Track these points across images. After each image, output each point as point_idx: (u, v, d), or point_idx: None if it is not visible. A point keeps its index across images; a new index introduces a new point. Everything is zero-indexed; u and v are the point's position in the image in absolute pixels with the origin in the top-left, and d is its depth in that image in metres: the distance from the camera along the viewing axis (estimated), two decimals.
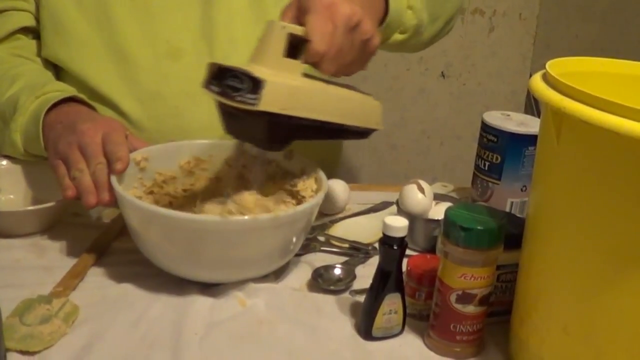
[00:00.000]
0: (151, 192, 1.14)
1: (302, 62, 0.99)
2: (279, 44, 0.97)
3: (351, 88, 1.09)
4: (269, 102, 0.93)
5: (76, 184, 1.03)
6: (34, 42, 1.36)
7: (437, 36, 1.48)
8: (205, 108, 1.31)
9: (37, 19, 1.34)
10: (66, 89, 1.21)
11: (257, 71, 0.94)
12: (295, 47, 0.98)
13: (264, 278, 1.05)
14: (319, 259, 1.13)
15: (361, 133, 1.10)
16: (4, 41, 1.34)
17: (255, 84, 0.93)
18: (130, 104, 1.32)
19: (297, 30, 0.97)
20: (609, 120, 0.69)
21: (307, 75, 1.02)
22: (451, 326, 0.92)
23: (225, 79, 0.96)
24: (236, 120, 1.00)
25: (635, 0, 2.75)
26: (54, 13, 1.31)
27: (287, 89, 0.96)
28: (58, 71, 1.36)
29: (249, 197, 1.06)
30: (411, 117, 2.63)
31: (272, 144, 1.04)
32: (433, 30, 1.43)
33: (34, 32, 1.36)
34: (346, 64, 1.03)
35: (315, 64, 1.00)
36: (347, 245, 1.17)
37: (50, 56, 1.34)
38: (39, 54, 1.35)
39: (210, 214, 1.05)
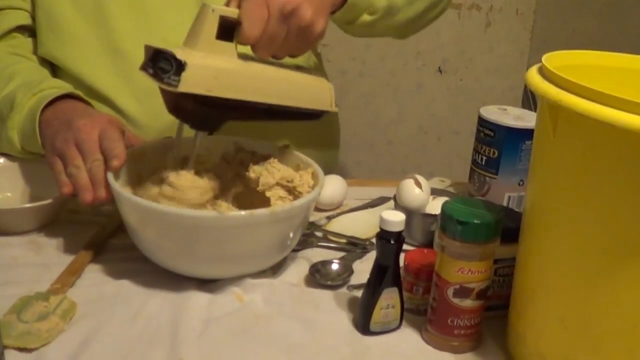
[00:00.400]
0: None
1: (236, 45, 1.00)
2: (211, 26, 0.98)
3: (301, 70, 1.10)
4: (190, 83, 0.95)
5: (73, 180, 1.03)
6: (30, 41, 1.36)
7: (420, 20, 1.43)
8: None
9: (33, 18, 1.34)
10: (63, 86, 1.21)
11: (183, 53, 0.96)
12: (231, 29, 0.99)
13: (261, 273, 1.05)
14: (316, 254, 1.13)
15: (310, 115, 1.09)
16: (0, 40, 1.34)
17: (179, 66, 0.95)
18: (126, 100, 1.32)
19: (229, 12, 0.98)
20: (605, 113, 0.69)
21: (247, 57, 1.02)
22: (449, 320, 0.92)
23: (158, 61, 0.98)
24: (172, 102, 1.02)
25: None
26: (49, 11, 1.30)
27: (213, 71, 0.97)
28: (54, 69, 1.36)
29: (186, 176, 1.06)
30: (408, 112, 2.63)
31: (202, 124, 1.05)
32: (411, 12, 1.38)
33: (30, 31, 1.36)
34: (285, 48, 1.03)
35: (251, 48, 1.01)
36: (344, 241, 1.17)
37: (46, 54, 1.34)
38: (35, 52, 1.35)
39: (149, 193, 1.05)
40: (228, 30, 0.99)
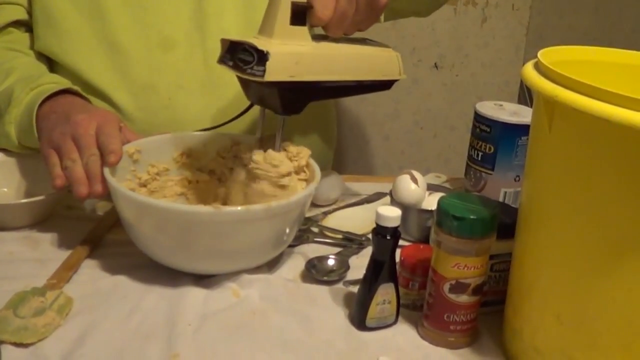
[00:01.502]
0: (144, 185, 1.14)
1: (309, 28, 1.04)
2: (284, 13, 1.01)
3: (367, 42, 1.13)
4: (274, 72, 0.98)
5: (67, 173, 1.03)
6: (27, 36, 1.36)
7: None
8: (197, 99, 1.31)
9: (30, 13, 1.34)
10: (61, 81, 1.21)
11: (262, 43, 0.98)
12: (302, 14, 1.02)
13: (257, 269, 1.06)
14: (312, 249, 1.13)
15: (382, 85, 1.13)
16: None
17: (261, 56, 0.98)
18: (122, 95, 1.32)
19: None
20: (601, 108, 0.69)
21: (319, 37, 1.06)
22: (445, 316, 0.92)
23: (237, 53, 1.02)
24: (253, 90, 1.05)
25: None
26: (45, 5, 1.30)
27: (293, 57, 1.00)
28: (51, 64, 1.36)
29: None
30: (404, 108, 2.63)
31: (288, 109, 1.06)
32: None
33: (27, 26, 1.36)
34: (355, 23, 1.06)
35: (323, 29, 1.05)
36: (340, 236, 1.18)
37: (43, 49, 1.34)
38: (32, 47, 1.35)
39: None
40: (299, 15, 1.02)
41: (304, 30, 1.03)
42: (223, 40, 1.05)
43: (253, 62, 0.99)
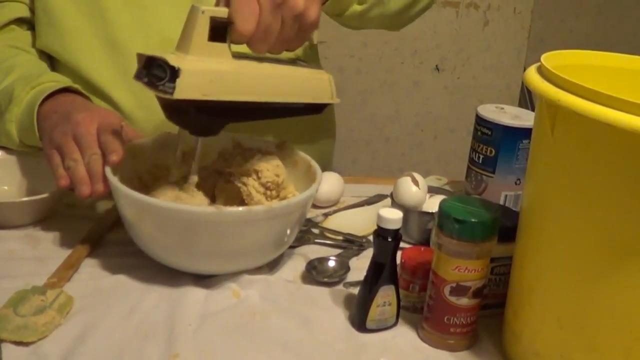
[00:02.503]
0: (145, 184, 1.14)
1: (230, 45, 0.98)
2: (202, 29, 0.96)
3: (297, 64, 1.08)
4: (185, 89, 0.93)
5: (70, 173, 1.03)
6: (28, 33, 1.36)
7: (411, 9, 1.41)
8: None
9: (32, 10, 1.34)
10: (62, 80, 1.21)
11: (176, 59, 0.94)
12: (223, 29, 0.97)
13: (258, 270, 1.06)
14: (313, 251, 1.13)
15: (312, 109, 1.08)
16: None
17: (172, 73, 0.93)
18: (122, 94, 1.31)
19: (220, 12, 0.96)
20: (603, 113, 0.69)
21: (241, 56, 1.01)
22: (445, 318, 0.92)
23: (152, 68, 0.96)
24: (170, 109, 1.00)
25: None
26: (47, 4, 1.30)
27: (208, 75, 0.95)
28: (53, 62, 1.36)
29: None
30: (405, 110, 2.63)
31: (202, 130, 1.03)
32: (401, 1, 1.37)
33: (29, 23, 1.35)
34: (281, 40, 1.00)
35: (247, 45, 0.99)
36: (341, 238, 1.18)
37: (44, 47, 1.34)
38: (33, 45, 1.35)
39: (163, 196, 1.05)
40: (220, 30, 0.97)
41: (223, 47, 0.98)
42: (139, 55, 0.99)
43: (165, 78, 0.94)
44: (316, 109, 1.08)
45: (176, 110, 0.99)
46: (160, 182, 1.09)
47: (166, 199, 1.03)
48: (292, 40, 1.01)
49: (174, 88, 0.92)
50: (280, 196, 1.08)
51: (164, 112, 1.02)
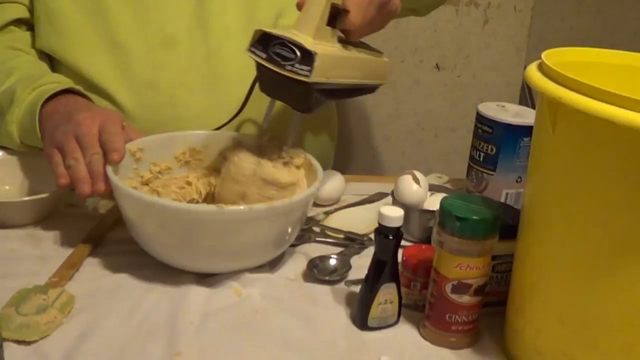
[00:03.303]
0: (146, 183, 1.14)
1: (337, 30, 1.06)
2: (324, 14, 1.02)
3: (366, 47, 1.16)
4: (319, 73, 0.99)
5: (71, 172, 1.03)
6: (28, 34, 1.36)
7: None
8: (199, 97, 1.30)
9: (30, 11, 1.34)
10: (63, 81, 1.21)
11: (307, 42, 0.99)
12: (335, 16, 1.04)
13: (259, 268, 1.06)
14: (314, 249, 1.13)
15: (372, 89, 1.18)
16: None
17: (306, 56, 0.98)
18: (124, 94, 1.31)
19: (338, 0, 1.04)
20: (604, 109, 0.69)
21: (343, 42, 1.09)
22: (446, 316, 0.92)
23: (271, 46, 1.00)
24: (276, 84, 1.03)
25: None
26: (47, 4, 1.30)
27: (332, 59, 1.03)
28: (53, 62, 1.35)
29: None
30: (405, 108, 2.63)
31: (311, 108, 1.08)
32: None
33: (28, 24, 1.35)
34: (371, 31, 1.11)
35: (346, 32, 1.07)
36: (342, 236, 1.18)
37: (44, 47, 1.33)
38: (33, 46, 1.35)
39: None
40: (333, 16, 1.04)
41: (333, 31, 1.06)
42: (256, 31, 1.03)
43: (295, 59, 0.98)
44: (374, 89, 1.19)
45: (288, 88, 1.02)
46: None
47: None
48: (375, 30, 1.13)
49: (310, 70, 0.97)
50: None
51: (264, 87, 1.07)
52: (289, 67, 0.98)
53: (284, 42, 0.99)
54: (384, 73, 1.18)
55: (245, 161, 1.07)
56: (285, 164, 1.10)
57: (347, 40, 1.10)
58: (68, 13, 1.30)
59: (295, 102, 1.07)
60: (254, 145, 1.16)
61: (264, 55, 1.01)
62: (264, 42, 1.01)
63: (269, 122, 1.15)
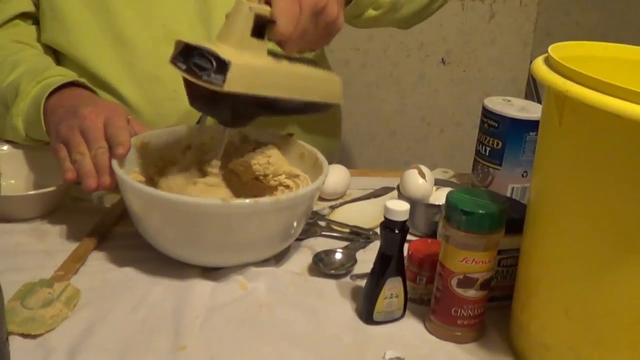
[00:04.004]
0: (151, 177, 1.14)
1: (267, 41, 1.03)
2: (246, 24, 0.99)
3: (312, 64, 1.13)
4: (233, 83, 0.96)
5: (77, 167, 1.03)
6: (33, 28, 1.36)
7: (423, 12, 1.47)
8: None
9: (36, 5, 1.34)
10: (67, 74, 1.21)
11: (223, 51, 0.97)
12: (261, 27, 1.01)
13: (264, 262, 1.06)
14: (319, 243, 1.14)
15: (321, 107, 1.13)
16: (3, 27, 1.34)
17: (221, 65, 0.96)
18: (128, 87, 1.31)
19: (264, 11, 1.00)
20: (611, 103, 0.69)
21: (271, 53, 1.05)
22: (452, 310, 0.92)
23: (192, 57, 0.99)
24: (201, 97, 1.02)
25: None
26: None
27: (252, 70, 0.99)
28: (58, 56, 1.36)
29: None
30: (411, 103, 2.63)
31: (235, 121, 1.06)
32: (414, 6, 1.42)
33: (33, 18, 1.36)
34: (310, 42, 1.07)
35: (279, 43, 1.03)
36: (347, 230, 1.18)
37: (49, 41, 1.34)
38: (38, 40, 1.35)
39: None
40: (258, 27, 1.00)
41: (261, 43, 1.02)
42: (178, 42, 1.02)
43: (210, 69, 0.96)
44: (324, 108, 1.14)
45: (210, 100, 1.01)
46: (173, 173, 1.11)
47: (185, 190, 1.05)
48: (318, 43, 1.09)
49: (223, 80, 0.95)
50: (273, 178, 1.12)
51: (192, 100, 1.05)
52: (205, 77, 0.97)
53: (202, 53, 0.98)
54: (333, 91, 1.13)
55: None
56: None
57: (289, 56, 1.07)
58: (73, 8, 1.30)
59: (218, 115, 1.05)
60: (254, 139, 1.17)
61: (184, 67, 1.00)
62: (185, 53, 1.00)
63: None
